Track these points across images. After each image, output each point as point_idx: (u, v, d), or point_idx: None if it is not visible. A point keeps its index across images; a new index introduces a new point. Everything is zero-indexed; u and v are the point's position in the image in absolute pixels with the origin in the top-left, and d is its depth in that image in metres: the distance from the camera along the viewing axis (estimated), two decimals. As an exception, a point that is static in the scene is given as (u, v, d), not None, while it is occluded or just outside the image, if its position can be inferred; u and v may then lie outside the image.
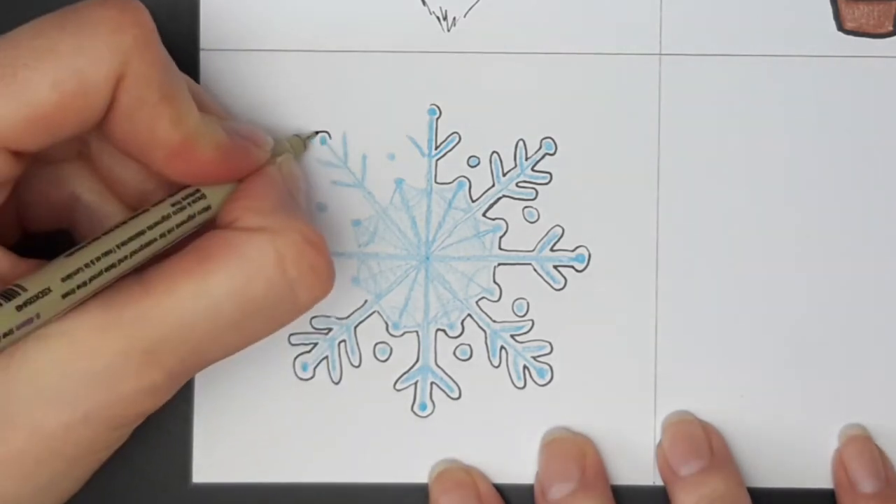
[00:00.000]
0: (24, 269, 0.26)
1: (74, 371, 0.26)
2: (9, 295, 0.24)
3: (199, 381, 0.33)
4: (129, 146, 0.27)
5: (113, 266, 0.26)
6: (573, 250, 0.34)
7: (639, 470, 0.34)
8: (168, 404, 0.33)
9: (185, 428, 0.33)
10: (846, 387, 0.33)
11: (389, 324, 0.34)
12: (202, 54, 0.33)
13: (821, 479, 0.34)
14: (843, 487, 0.33)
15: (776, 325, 0.33)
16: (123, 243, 0.27)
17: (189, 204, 0.28)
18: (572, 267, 0.34)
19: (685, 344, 0.33)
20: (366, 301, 0.34)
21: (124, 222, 0.27)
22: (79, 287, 0.25)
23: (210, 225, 0.29)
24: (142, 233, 0.27)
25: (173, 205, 0.28)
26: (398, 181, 0.33)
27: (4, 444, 0.26)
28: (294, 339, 0.33)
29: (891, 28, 0.34)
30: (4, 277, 0.26)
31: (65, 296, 0.25)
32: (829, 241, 0.33)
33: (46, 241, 0.30)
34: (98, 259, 0.26)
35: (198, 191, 0.28)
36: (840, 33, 0.34)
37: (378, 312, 0.34)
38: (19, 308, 0.24)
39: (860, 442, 0.33)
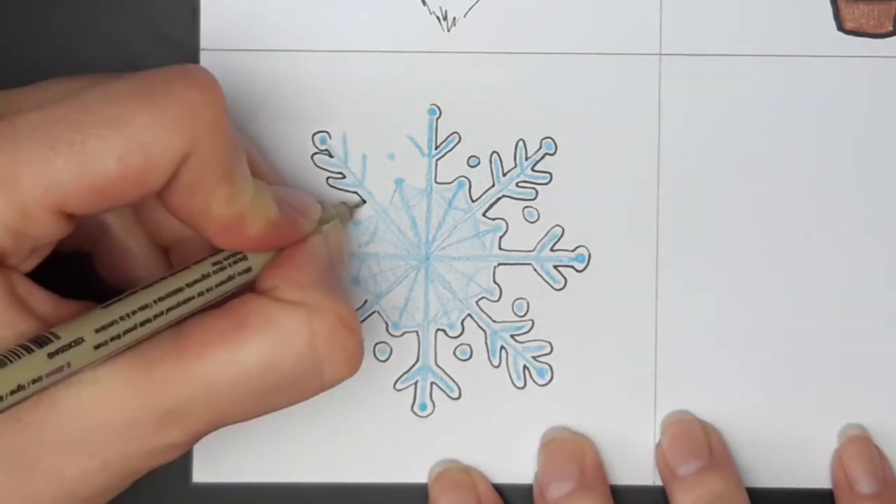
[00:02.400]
0: (66, 311, 0.26)
1: (99, 422, 0.26)
2: (42, 342, 0.24)
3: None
4: (181, 216, 0.27)
5: (148, 321, 0.26)
6: (573, 250, 0.34)
7: (638, 470, 0.34)
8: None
9: (184, 428, 0.33)
10: (846, 387, 0.33)
11: (389, 324, 0.34)
12: (202, 54, 0.33)
13: (820, 479, 0.34)
14: (842, 488, 0.33)
15: (776, 325, 0.33)
16: (161, 299, 0.26)
17: (230, 265, 0.28)
18: (572, 267, 0.34)
19: (685, 344, 0.33)
20: (366, 301, 0.34)
21: (164, 278, 0.27)
22: (112, 339, 0.25)
23: (248, 286, 0.29)
24: (180, 290, 0.27)
25: (214, 264, 0.28)
26: (398, 181, 0.33)
27: (24, 486, 0.26)
28: (294, 340, 0.33)
29: (891, 28, 0.34)
30: (45, 318, 0.26)
31: (97, 347, 0.25)
32: (829, 240, 0.34)
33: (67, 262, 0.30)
34: (134, 313, 0.26)
35: (240, 252, 0.28)
36: (840, 33, 0.34)
37: (378, 312, 0.34)
38: (51, 356, 0.24)
39: (859, 442, 0.33)
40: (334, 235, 0.31)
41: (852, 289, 0.33)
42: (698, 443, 0.33)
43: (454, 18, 0.33)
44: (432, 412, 0.34)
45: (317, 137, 0.33)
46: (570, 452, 0.33)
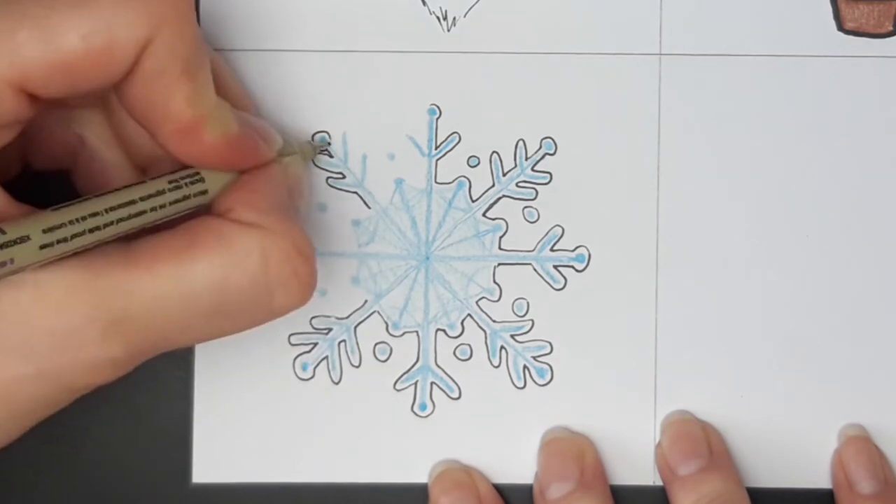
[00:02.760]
0: (16, 212, 0.26)
1: (37, 325, 0.25)
2: None
3: (199, 381, 0.33)
4: (139, 113, 0.26)
5: (97, 228, 0.26)
6: (573, 250, 0.34)
7: (638, 470, 0.34)
8: (167, 404, 0.33)
9: (184, 428, 0.33)
10: (846, 387, 0.33)
11: (389, 324, 0.34)
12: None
13: (820, 479, 0.34)
14: (842, 488, 0.33)
15: (776, 325, 0.33)
16: (112, 209, 0.26)
17: (186, 184, 0.28)
18: (572, 267, 0.34)
19: (685, 344, 0.33)
20: (366, 301, 0.34)
21: (118, 189, 0.27)
22: (59, 242, 0.25)
23: (204, 210, 0.28)
24: (133, 202, 0.27)
25: (170, 182, 0.28)
26: (398, 181, 0.33)
27: None
28: (294, 340, 0.33)
29: (891, 28, 0.34)
30: None
31: (43, 247, 0.24)
32: (829, 240, 0.34)
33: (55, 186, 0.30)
34: (84, 218, 0.25)
35: (197, 173, 0.28)
36: (840, 33, 0.34)
37: (378, 312, 0.34)
38: None
39: (859, 442, 0.33)
40: (294, 167, 0.31)
41: (852, 289, 0.33)
42: (698, 443, 0.33)
43: (454, 18, 0.33)
44: (432, 412, 0.34)
45: (317, 137, 0.33)
46: (570, 452, 0.33)
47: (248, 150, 0.29)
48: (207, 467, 0.33)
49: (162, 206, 0.27)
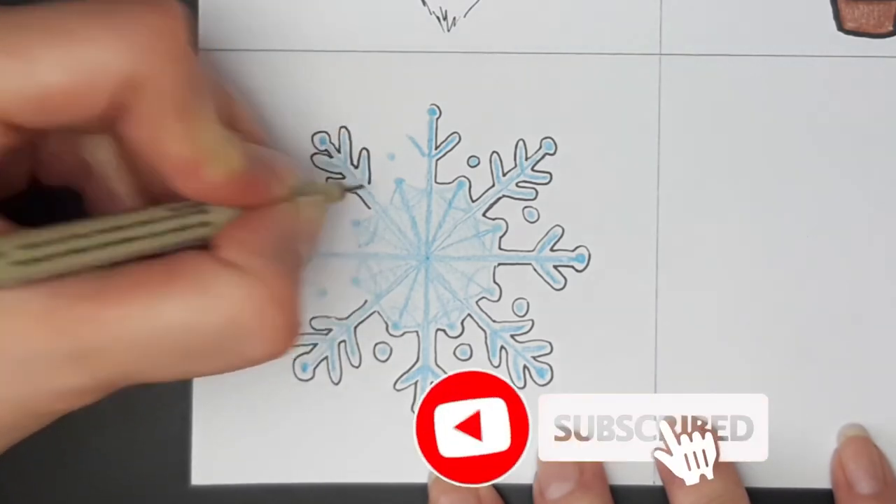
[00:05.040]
0: (1, 228, 0.25)
1: (3, 351, 0.24)
2: None
3: (198, 382, 0.33)
4: (138, 150, 0.26)
5: (81, 251, 0.25)
6: (573, 250, 0.34)
7: (638, 470, 0.34)
8: (167, 405, 0.33)
9: (183, 429, 0.33)
10: (846, 387, 0.33)
11: (389, 324, 0.34)
12: (201, 54, 0.33)
13: (820, 479, 0.34)
14: (842, 488, 0.33)
15: (776, 325, 0.33)
16: (100, 231, 0.25)
17: (187, 214, 0.27)
18: (572, 267, 0.34)
19: (685, 344, 0.33)
20: (366, 301, 0.34)
21: (112, 214, 0.26)
22: (35, 260, 0.24)
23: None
24: (121, 227, 0.26)
25: (170, 209, 0.27)
26: (398, 181, 0.33)
27: None
28: (294, 340, 0.33)
29: (891, 28, 0.34)
30: None
31: (17, 264, 0.24)
32: (830, 240, 0.34)
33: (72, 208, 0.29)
34: (66, 239, 0.25)
35: (200, 204, 0.27)
36: (840, 33, 0.34)
37: (378, 312, 0.34)
38: None
39: (859, 442, 0.33)
40: (311, 210, 0.29)
41: (852, 288, 0.34)
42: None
43: (454, 18, 0.33)
44: (432, 412, 0.34)
45: (316, 137, 0.33)
46: (570, 452, 0.33)
47: (257, 188, 0.27)
48: (207, 469, 0.33)
49: (157, 235, 0.26)
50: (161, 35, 0.24)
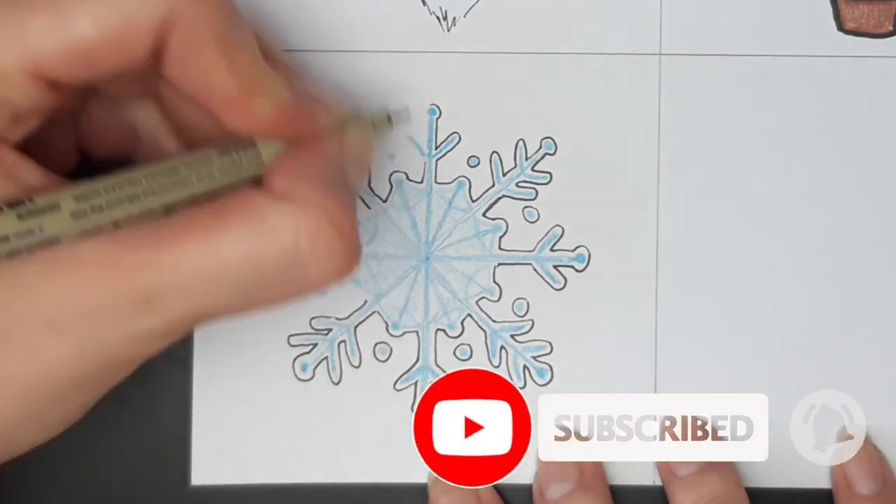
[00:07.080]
0: (57, 186, 0.25)
1: (72, 302, 0.25)
2: (14, 204, 0.24)
3: (198, 382, 0.33)
4: (185, 89, 0.26)
5: (136, 197, 0.25)
6: (573, 250, 0.34)
7: (638, 470, 0.34)
8: (166, 405, 0.33)
9: (183, 430, 0.33)
10: (846, 386, 0.33)
11: (389, 324, 0.34)
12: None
13: (819, 479, 0.34)
14: (841, 488, 0.33)
15: (776, 325, 0.33)
16: (153, 175, 0.26)
17: (237, 151, 0.27)
18: (572, 267, 0.34)
19: (685, 344, 0.33)
20: (366, 301, 0.34)
21: (162, 160, 0.26)
22: (92, 210, 0.24)
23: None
24: (175, 169, 0.26)
25: (219, 149, 0.27)
26: (398, 181, 0.33)
27: None
28: (294, 340, 0.33)
29: (891, 28, 0.34)
30: (34, 190, 0.25)
31: (75, 215, 0.24)
32: (830, 240, 0.34)
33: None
34: (121, 186, 0.25)
35: (249, 140, 0.27)
36: (840, 33, 0.34)
37: (378, 312, 0.34)
38: (21, 217, 0.23)
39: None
40: (358, 139, 0.29)
41: (852, 289, 0.34)
42: (697, 442, 0.33)
43: (454, 18, 0.33)
44: (432, 412, 0.34)
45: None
46: (570, 452, 0.33)
47: (304, 120, 0.28)
48: (207, 469, 0.33)
49: (210, 176, 0.26)
50: None
